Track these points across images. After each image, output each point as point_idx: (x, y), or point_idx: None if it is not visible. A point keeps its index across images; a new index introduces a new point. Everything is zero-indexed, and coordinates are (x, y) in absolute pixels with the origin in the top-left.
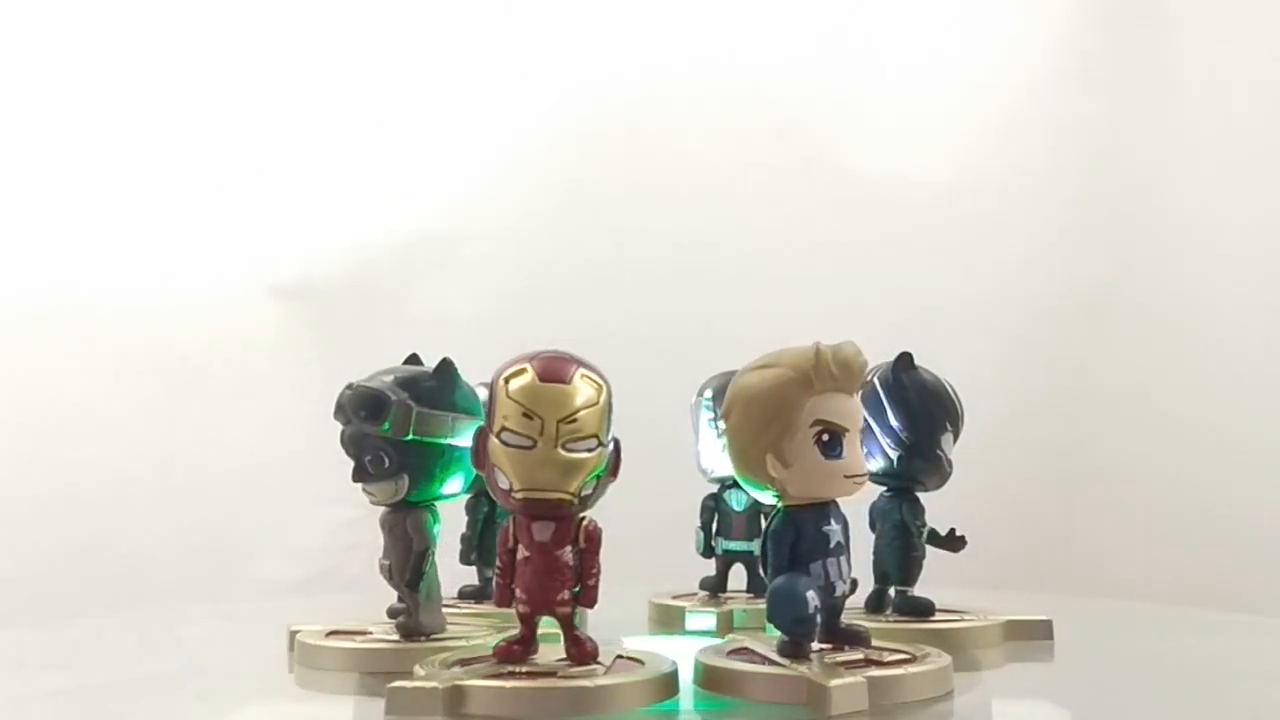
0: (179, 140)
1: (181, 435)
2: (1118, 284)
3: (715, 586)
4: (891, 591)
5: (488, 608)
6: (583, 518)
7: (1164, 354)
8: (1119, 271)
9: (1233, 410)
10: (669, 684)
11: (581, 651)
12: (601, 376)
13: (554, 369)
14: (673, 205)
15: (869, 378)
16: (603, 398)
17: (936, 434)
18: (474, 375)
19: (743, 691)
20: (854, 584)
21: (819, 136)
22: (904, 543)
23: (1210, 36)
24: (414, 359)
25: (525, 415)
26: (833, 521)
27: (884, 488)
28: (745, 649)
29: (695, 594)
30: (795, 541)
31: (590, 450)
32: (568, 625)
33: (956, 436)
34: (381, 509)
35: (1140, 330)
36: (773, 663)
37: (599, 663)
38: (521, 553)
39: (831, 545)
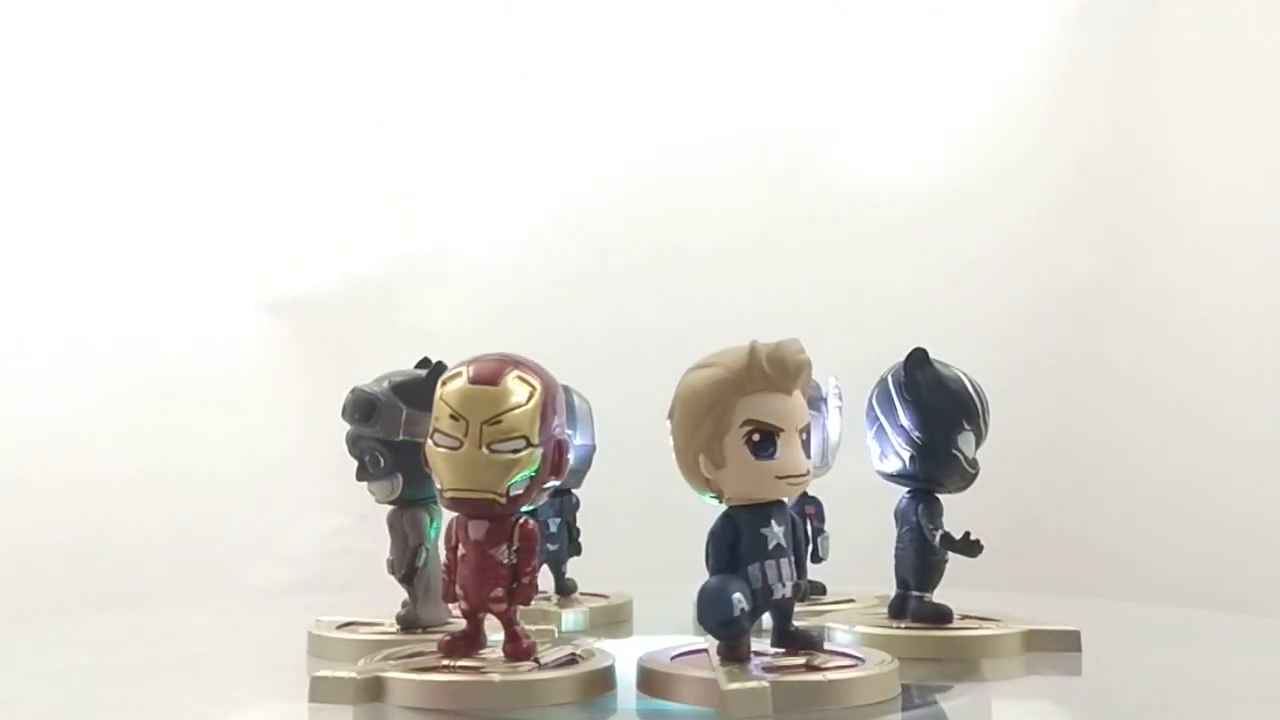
0: (172, 153)
1: (172, 446)
2: (1118, 278)
3: None
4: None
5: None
6: (521, 517)
7: (1165, 348)
8: (1119, 266)
9: (1238, 404)
10: (593, 684)
11: (516, 648)
12: (539, 379)
13: (485, 371)
14: (664, 214)
15: (884, 375)
16: (534, 399)
17: (952, 433)
18: None
19: (668, 693)
20: (797, 588)
21: (816, 136)
22: (921, 546)
23: (1209, 31)
24: (425, 363)
25: (452, 417)
26: (774, 524)
27: (906, 489)
28: (702, 651)
29: None
30: (735, 543)
31: (517, 451)
32: (507, 622)
33: (979, 436)
34: (388, 508)
35: (1141, 325)
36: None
37: (535, 660)
38: (460, 550)
39: (770, 548)
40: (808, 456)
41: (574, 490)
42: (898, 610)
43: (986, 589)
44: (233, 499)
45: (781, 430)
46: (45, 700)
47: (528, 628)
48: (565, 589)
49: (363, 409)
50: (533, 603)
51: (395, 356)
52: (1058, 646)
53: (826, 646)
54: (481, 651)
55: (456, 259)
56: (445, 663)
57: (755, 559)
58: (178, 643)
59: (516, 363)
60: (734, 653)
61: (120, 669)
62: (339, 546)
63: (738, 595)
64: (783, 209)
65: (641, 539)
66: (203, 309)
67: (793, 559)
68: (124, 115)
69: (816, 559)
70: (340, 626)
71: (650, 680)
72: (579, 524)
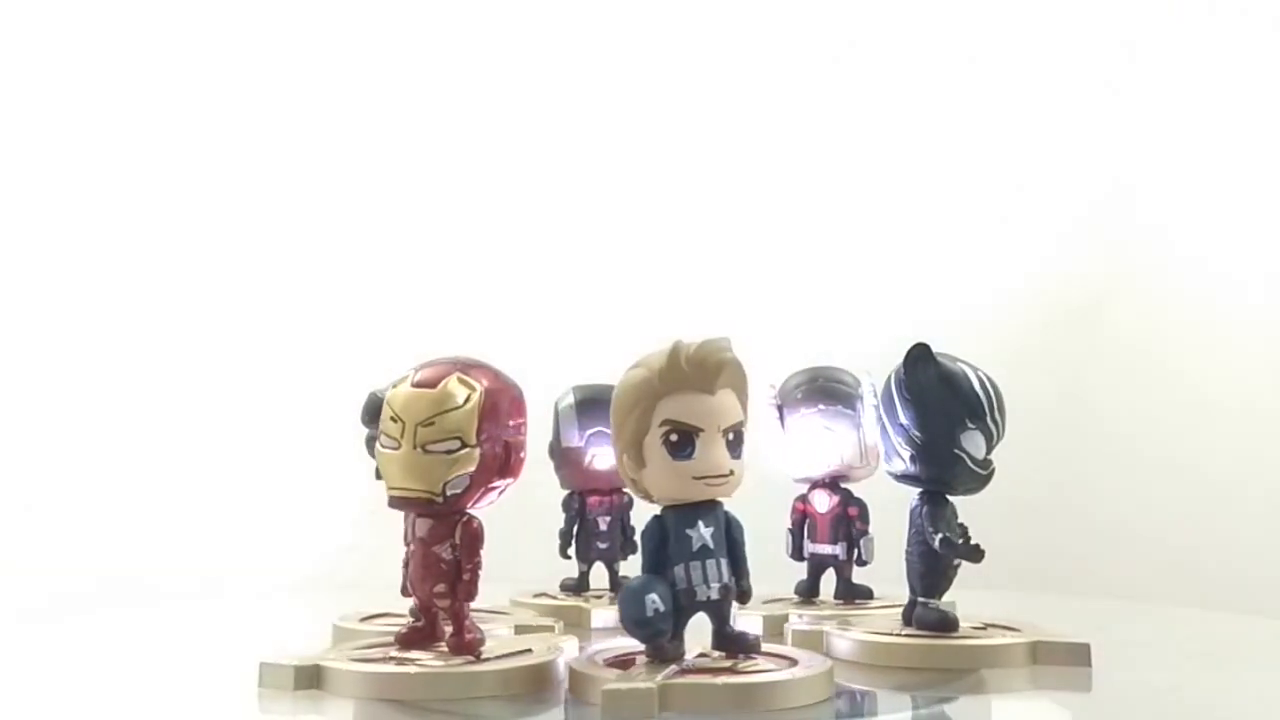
0: (185, 135)
1: (183, 434)
2: (1115, 293)
3: (807, 591)
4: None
5: (576, 600)
6: (465, 516)
7: (1162, 362)
8: (1116, 281)
9: (1230, 420)
10: (514, 680)
11: (458, 643)
12: (487, 382)
13: (427, 375)
14: (679, 212)
15: (889, 373)
16: (472, 401)
17: (954, 431)
18: None
19: (581, 692)
20: (726, 589)
21: (819, 144)
22: (925, 550)
23: (1212, 42)
24: None
25: (392, 419)
26: (701, 525)
27: (917, 490)
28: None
29: (789, 598)
30: (662, 543)
31: (452, 451)
32: (454, 617)
33: (990, 434)
34: None
35: (1137, 340)
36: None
37: (476, 655)
38: (411, 547)
39: (694, 549)
40: (737, 457)
41: (626, 489)
42: (909, 616)
43: (1015, 591)
44: (243, 490)
45: (701, 430)
46: (52, 696)
47: (531, 624)
48: (619, 587)
49: (369, 411)
50: (585, 600)
51: (411, 340)
52: (1066, 660)
53: (766, 649)
54: (437, 644)
55: (478, 243)
56: (391, 654)
57: (678, 560)
58: (209, 634)
59: (467, 366)
60: (660, 653)
61: (130, 663)
62: (349, 541)
63: (653, 596)
64: (803, 206)
65: None
66: (218, 293)
67: (722, 561)
68: (139, 100)
69: (861, 562)
70: (364, 619)
71: (572, 679)
72: (633, 523)
